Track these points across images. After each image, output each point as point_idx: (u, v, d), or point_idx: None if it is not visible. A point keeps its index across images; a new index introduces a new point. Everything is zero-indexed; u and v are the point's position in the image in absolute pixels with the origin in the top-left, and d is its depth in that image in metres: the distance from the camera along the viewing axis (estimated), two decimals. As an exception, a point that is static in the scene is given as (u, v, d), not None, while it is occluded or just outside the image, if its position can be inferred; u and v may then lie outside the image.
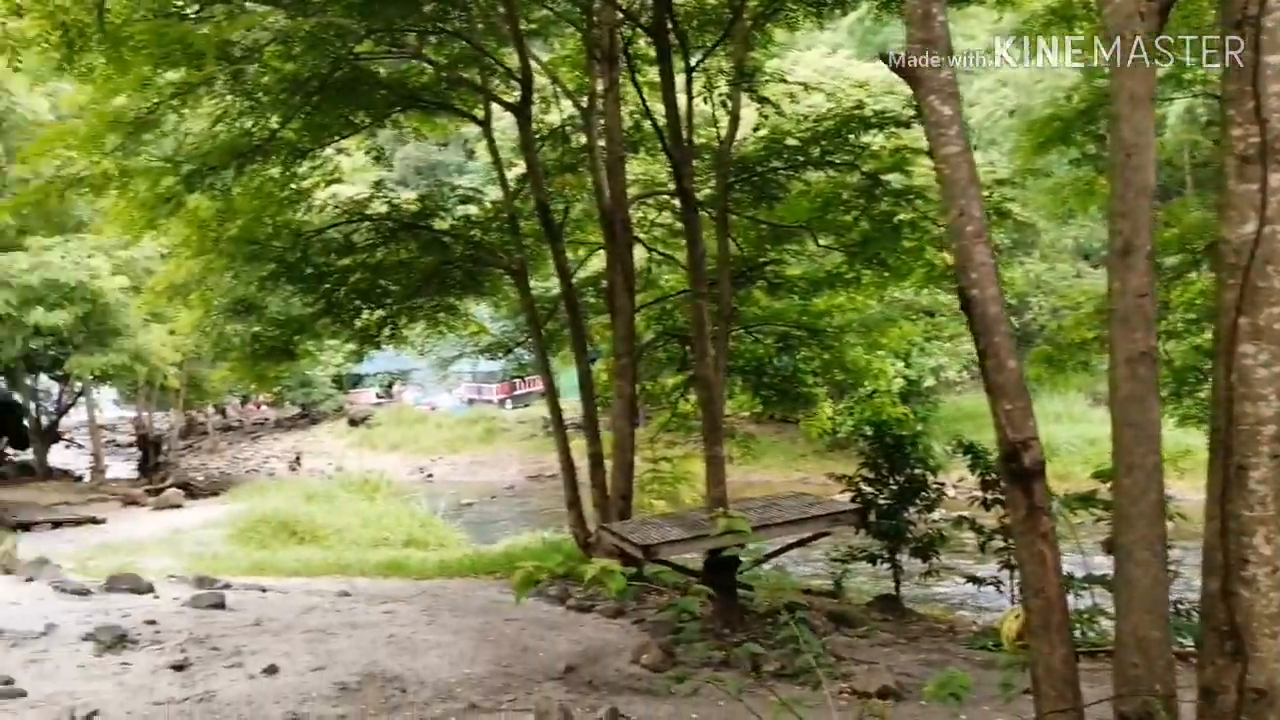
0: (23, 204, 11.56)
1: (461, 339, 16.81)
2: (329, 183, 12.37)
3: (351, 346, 14.45)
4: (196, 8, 9.60)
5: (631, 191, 13.52)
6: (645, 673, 8.32)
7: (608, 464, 13.01)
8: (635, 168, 15.38)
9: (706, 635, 9.16)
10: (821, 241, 14.47)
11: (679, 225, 13.26)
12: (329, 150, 12.61)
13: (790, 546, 9.94)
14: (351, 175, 14.16)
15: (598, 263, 15.80)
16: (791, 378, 16.88)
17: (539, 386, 54.23)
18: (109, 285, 20.93)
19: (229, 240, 11.43)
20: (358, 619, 9.84)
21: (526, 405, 51.42)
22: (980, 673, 7.10)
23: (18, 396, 32.15)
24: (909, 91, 4.02)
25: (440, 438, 46.26)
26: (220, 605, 9.94)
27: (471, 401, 51.99)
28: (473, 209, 13.18)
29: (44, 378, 34.31)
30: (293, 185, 12.13)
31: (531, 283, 14.29)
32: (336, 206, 12.54)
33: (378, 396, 54.34)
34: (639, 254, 14.50)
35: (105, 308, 21.74)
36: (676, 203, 12.34)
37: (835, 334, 15.91)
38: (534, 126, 13.02)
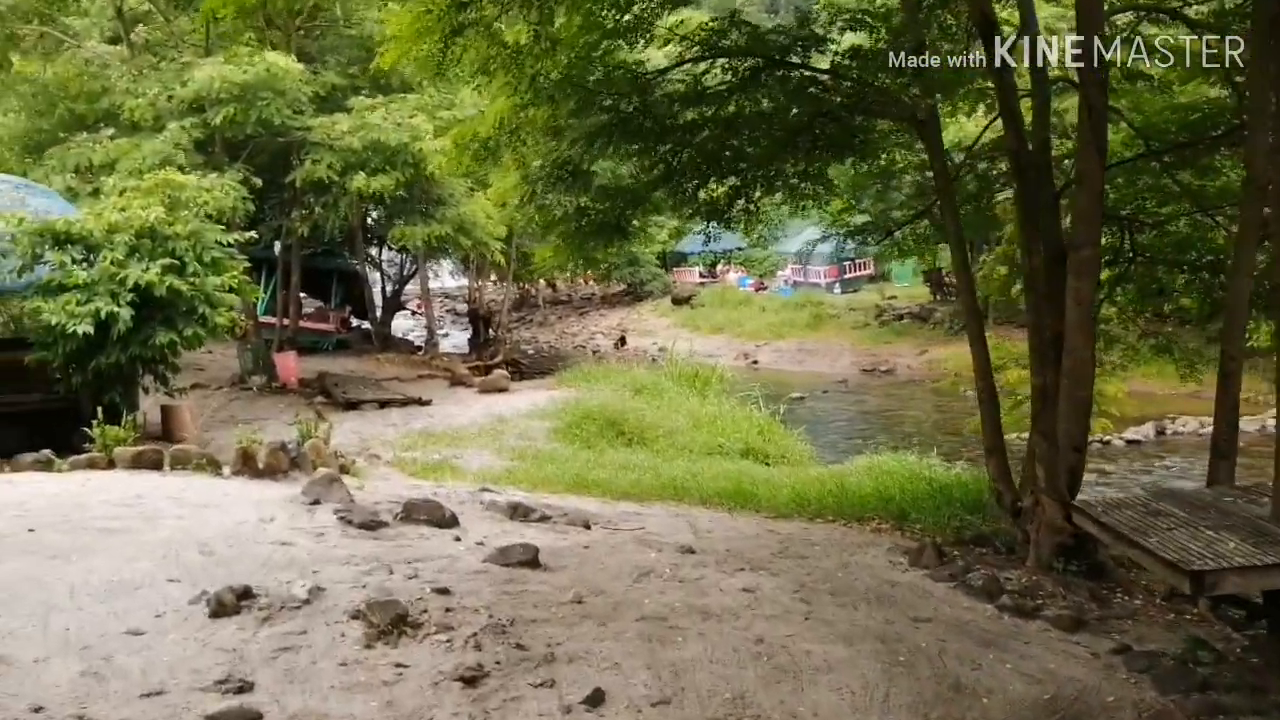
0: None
1: (826, 216, 13.55)
2: (673, 4, 9.36)
3: (696, 224, 11.62)
4: None
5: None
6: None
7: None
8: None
9: (1255, 693, 5.72)
10: None
11: (1186, 46, 9.15)
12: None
13: None
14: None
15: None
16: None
17: (869, 270, 50.69)
18: (431, 148, 19.41)
19: (552, 84, 8.81)
20: (709, 599, 7.16)
21: (855, 290, 47.72)
22: None
23: (358, 267, 32.56)
24: None
25: (764, 321, 43.70)
26: (533, 563, 7.59)
27: (796, 284, 48.76)
28: (862, 39, 9.69)
29: (386, 249, 34.58)
30: (630, 14, 9.25)
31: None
32: (684, 38, 9.53)
33: (701, 276, 52.36)
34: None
35: (428, 174, 20.34)
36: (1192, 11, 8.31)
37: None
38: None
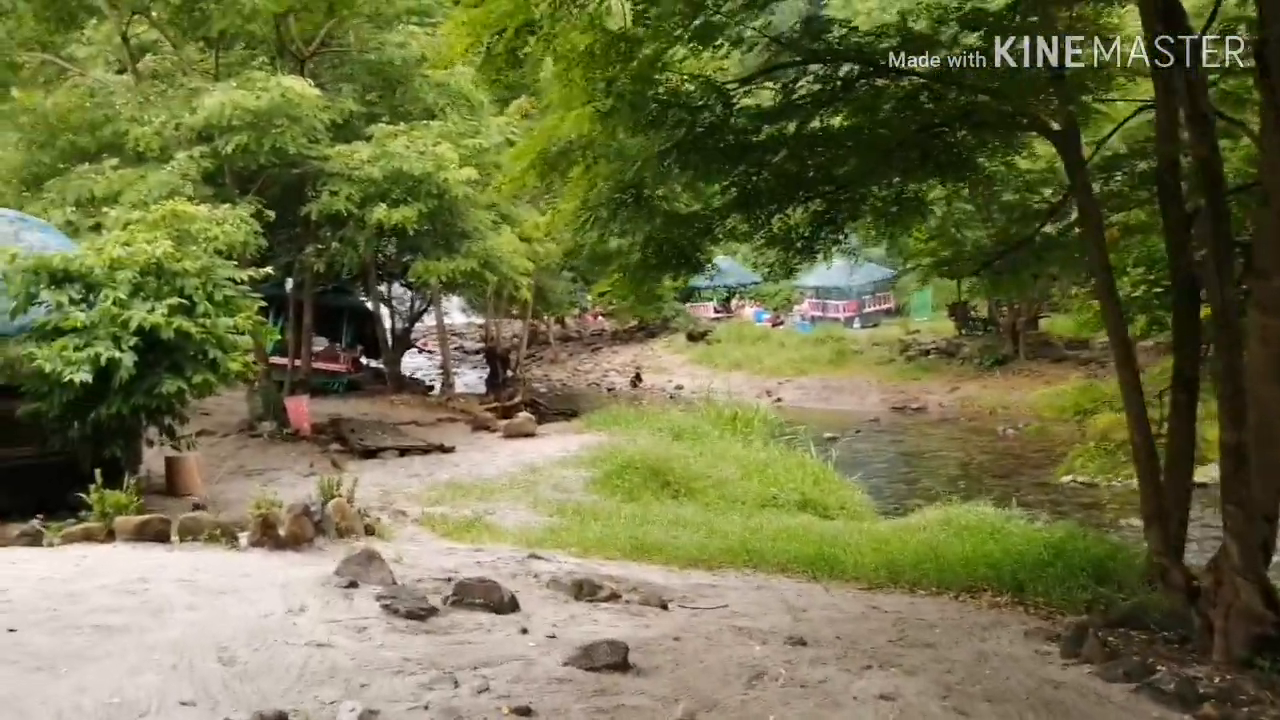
0: None
1: (916, 245, 12.26)
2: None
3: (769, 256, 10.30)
4: None
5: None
6: None
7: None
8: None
9: None
10: None
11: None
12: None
13: None
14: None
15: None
16: None
17: (889, 304, 49.39)
18: (456, 178, 18.13)
19: (630, 91, 7.53)
20: (845, 713, 5.78)
21: (875, 325, 46.47)
22: None
23: (370, 304, 31.29)
24: None
25: (785, 357, 42.32)
26: (623, 666, 6.22)
27: (815, 319, 47.56)
28: (973, 38, 8.39)
29: (396, 285, 33.31)
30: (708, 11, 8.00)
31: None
32: (772, 41, 8.26)
33: (715, 311, 51.07)
34: None
35: (453, 205, 19.01)
36: None
37: None
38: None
